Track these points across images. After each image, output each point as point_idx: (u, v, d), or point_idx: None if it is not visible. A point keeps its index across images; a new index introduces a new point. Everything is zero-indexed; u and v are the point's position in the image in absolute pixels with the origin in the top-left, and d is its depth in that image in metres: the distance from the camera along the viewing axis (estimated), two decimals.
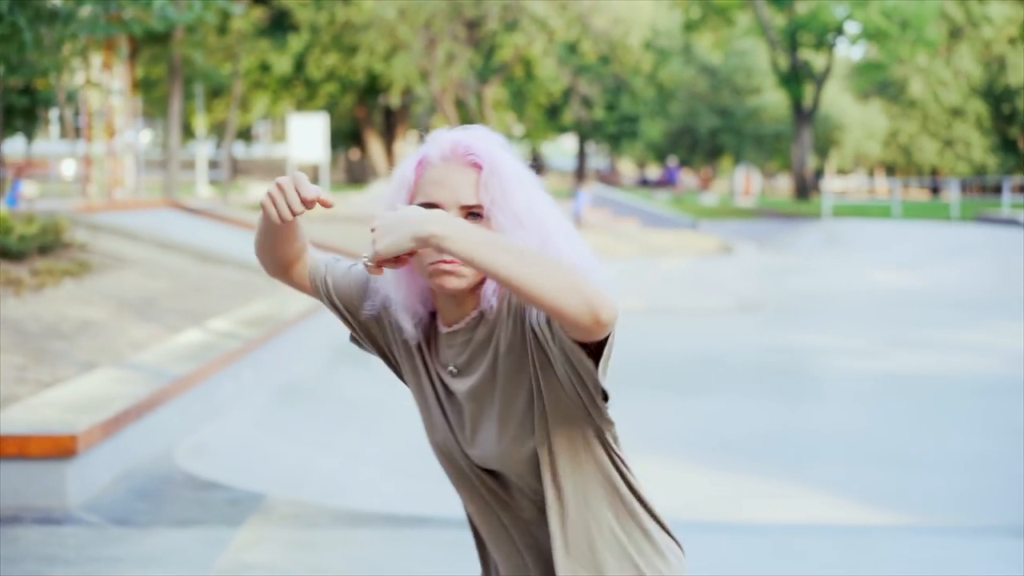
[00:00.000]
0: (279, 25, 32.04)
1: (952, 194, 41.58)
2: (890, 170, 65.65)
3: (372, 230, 2.06)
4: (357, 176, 63.00)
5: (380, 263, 2.10)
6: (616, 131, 49.96)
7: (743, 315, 17.47)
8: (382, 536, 5.59)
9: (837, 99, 56.29)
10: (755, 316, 17.39)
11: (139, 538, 5.46)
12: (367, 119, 44.33)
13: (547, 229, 2.19)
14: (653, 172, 67.97)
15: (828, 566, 5.61)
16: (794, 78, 46.58)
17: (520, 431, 2.19)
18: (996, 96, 58.82)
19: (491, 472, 2.25)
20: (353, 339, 2.46)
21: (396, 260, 2.11)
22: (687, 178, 62.90)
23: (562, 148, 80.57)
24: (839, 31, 46.41)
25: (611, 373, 2.13)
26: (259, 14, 24.29)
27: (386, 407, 9.81)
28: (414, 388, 2.35)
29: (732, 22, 48.22)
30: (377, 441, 8.62)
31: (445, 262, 2.15)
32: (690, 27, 47.53)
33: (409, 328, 2.29)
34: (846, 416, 10.28)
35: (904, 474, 8.09)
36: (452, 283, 2.18)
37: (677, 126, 55.30)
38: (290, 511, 5.93)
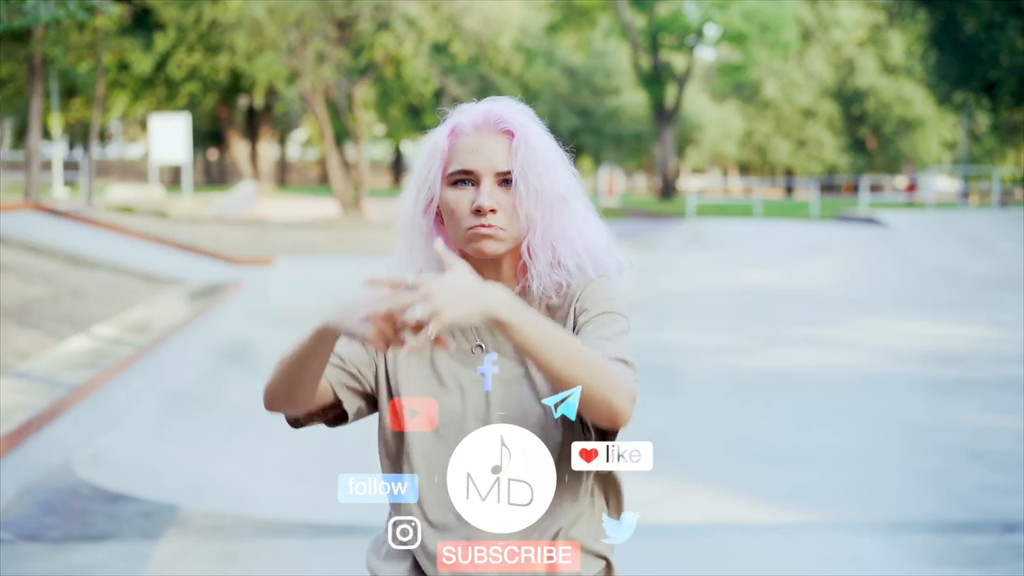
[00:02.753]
0: (142, 23, 31.40)
1: (811, 193, 42.55)
2: (744, 169, 66.94)
3: (415, 288, 1.95)
4: (215, 177, 62.08)
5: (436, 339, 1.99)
6: None
7: None
8: (308, 547, 5.52)
9: (695, 100, 57.16)
10: (630, 315, 17.56)
11: (54, 554, 5.31)
12: (229, 119, 43.71)
13: (564, 207, 2.26)
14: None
15: (735, 566, 5.67)
16: (656, 79, 47.15)
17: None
18: (846, 97, 60.37)
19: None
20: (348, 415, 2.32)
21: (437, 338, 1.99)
22: None
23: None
24: (700, 33, 47.12)
25: None
26: (121, 11, 23.75)
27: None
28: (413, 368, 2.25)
29: (594, 23, 48.61)
30: (276, 448, 8.51)
31: (484, 226, 2.19)
32: (553, 28, 47.79)
33: None
34: (729, 414, 10.41)
35: (796, 471, 8.20)
36: (492, 247, 2.21)
37: None
38: (208, 522, 5.82)
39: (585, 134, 56.17)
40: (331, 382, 2.26)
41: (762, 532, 6.40)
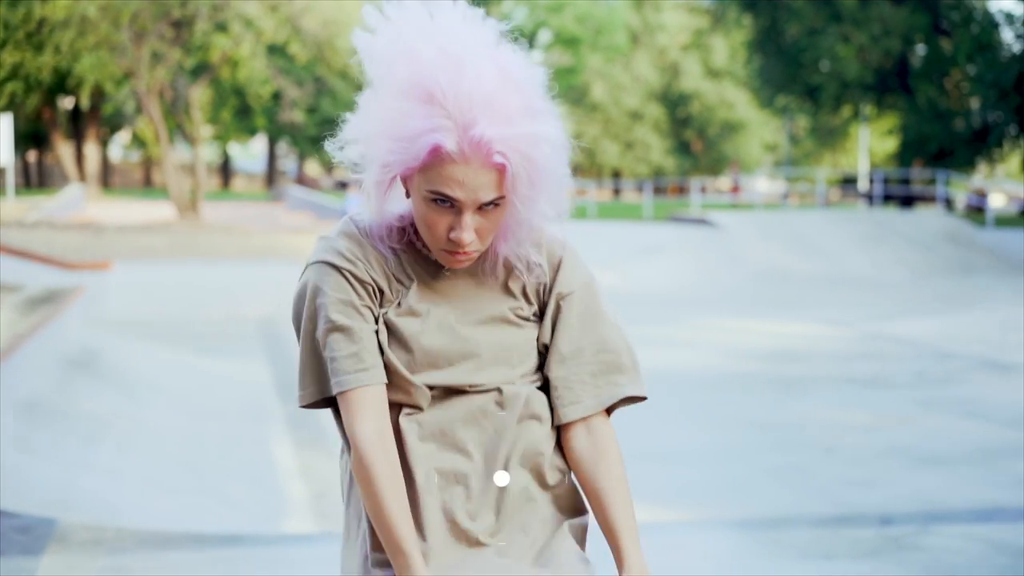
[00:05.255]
0: None
1: (644, 195, 43.28)
2: (571, 171, 67.64)
3: None
4: (34, 180, 60.30)
5: None
6: (317, 133, 49.78)
7: None
8: (198, 558, 5.44)
9: None
10: None
11: None
12: (52, 120, 42.46)
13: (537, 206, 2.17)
14: (342, 175, 67.51)
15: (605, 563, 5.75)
16: None
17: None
18: (672, 100, 61.60)
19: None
20: None
21: None
22: None
23: (249, 151, 79.35)
24: (532, 37, 47.49)
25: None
26: None
27: (136, 422, 9.51)
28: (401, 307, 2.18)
29: None
30: (137, 458, 8.34)
31: (460, 253, 2.10)
32: None
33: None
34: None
35: (664, 469, 8.31)
36: (463, 264, 2.15)
37: None
38: (89, 536, 5.69)
39: None
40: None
41: (644, 531, 6.51)
